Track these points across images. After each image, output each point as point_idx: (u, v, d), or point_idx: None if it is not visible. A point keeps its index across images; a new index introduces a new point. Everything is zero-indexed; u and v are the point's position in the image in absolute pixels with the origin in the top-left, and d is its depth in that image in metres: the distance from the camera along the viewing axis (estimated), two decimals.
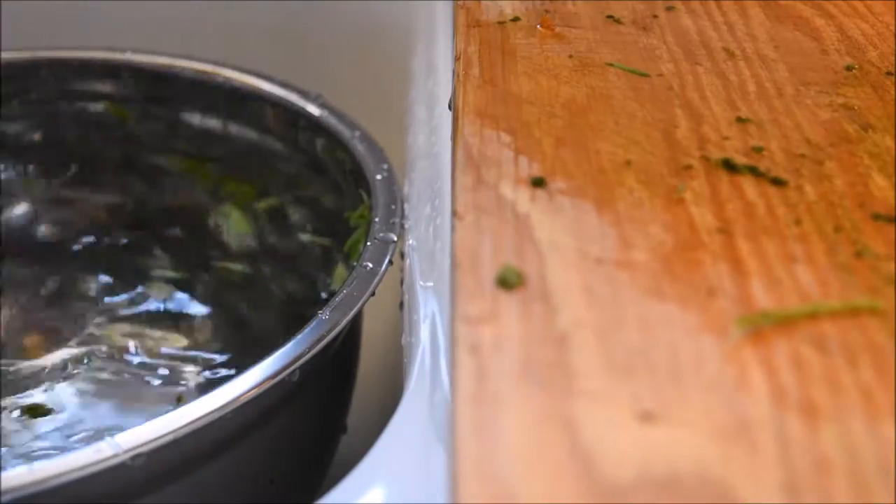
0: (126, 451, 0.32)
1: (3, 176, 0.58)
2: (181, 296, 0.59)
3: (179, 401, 0.53)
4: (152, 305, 0.59)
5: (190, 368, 0.55)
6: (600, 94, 0.41)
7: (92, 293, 0.59)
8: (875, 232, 0.33)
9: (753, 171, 0.36)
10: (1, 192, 0.58)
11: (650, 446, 0.25)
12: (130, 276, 0.60)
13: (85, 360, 0.55)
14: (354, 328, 0.47)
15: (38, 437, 0.50)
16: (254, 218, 0.58)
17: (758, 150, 0.37)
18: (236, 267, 0.59)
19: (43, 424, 0.51)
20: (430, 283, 0.37)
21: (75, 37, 0.61)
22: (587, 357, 0.28)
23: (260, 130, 0.55)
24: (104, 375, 0.54)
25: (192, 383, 0.54)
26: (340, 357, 0.45)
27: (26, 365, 0.55)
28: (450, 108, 0.39)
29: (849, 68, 0.44)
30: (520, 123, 0.38)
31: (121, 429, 0.33)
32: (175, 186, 0.59)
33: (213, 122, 0.56)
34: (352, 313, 0.39)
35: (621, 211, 0.34)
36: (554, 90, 0.41)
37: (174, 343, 0.57)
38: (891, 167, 0.37)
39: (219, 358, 0.56)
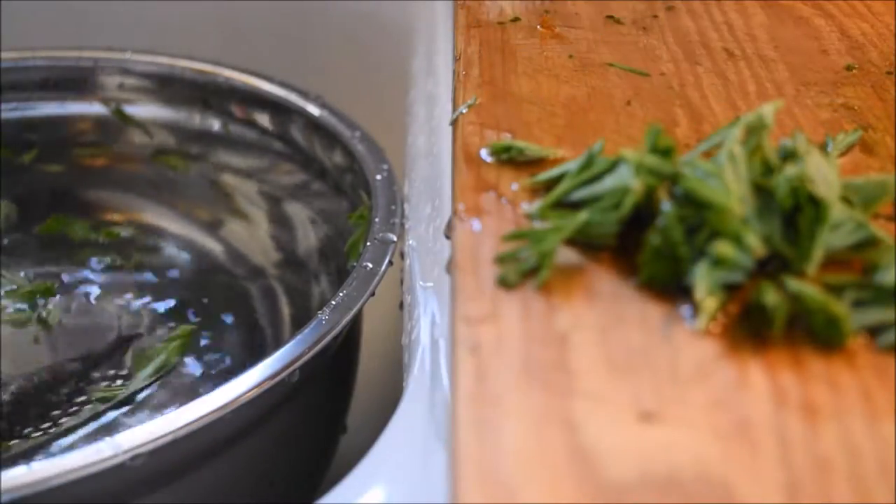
0: (126, 451, 0.32)
1: None
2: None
3: None
4: None
5: None
6: (600, 93, 0.41)
7: None
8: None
9: None
10: None
11: (650, 446, 0.25)
12: None
13: None
14: (354, 328, 0.47)
15: None
16: None
17: None
18: None
19: None
20: (430, 283, 0.37)
21: (75, 37, 0.61)
22: (587, 357, 0.28)
23: (260, 130, 0.55)
24: None
25: None
26: (340, 357, 0.45)
27: None
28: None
29: (849, 68, 0.44)
30: (520, 123, 0.38)
31: None
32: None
33: (213, 122, 0.56)
34: (351, 313, 0.39)
35: None
36: (554, 90, 0.41)
37: None
38: (891, 167, 0.37)
39: None
